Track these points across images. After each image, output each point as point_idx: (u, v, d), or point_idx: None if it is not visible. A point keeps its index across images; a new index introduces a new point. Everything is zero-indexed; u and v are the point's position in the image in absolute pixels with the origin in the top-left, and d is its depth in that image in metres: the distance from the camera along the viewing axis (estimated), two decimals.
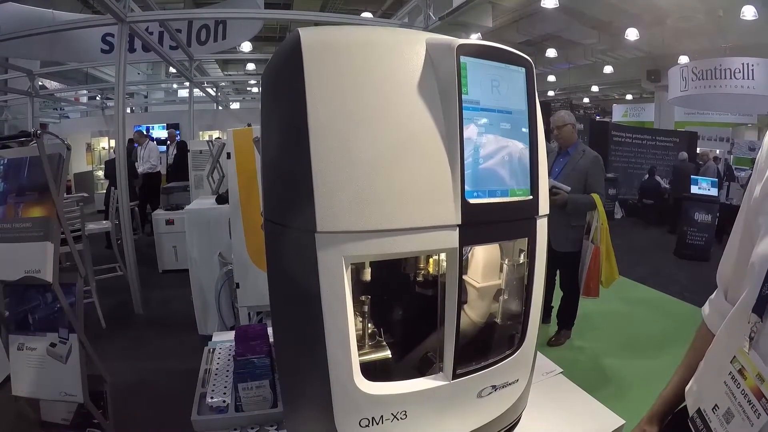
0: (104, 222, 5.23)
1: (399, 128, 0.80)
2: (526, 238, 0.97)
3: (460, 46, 0.83)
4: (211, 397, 1.26)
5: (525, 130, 0.95)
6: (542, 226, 0.99)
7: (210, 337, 1.69)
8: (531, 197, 0.94)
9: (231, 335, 1.60)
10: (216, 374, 1.41)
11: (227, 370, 1.42)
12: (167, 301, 4.75)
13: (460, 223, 0.82)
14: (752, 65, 9.46)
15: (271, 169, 0.86)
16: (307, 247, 0.77)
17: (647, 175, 10.19)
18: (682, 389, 0.98)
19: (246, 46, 9.26)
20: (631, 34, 9.89)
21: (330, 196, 0.76)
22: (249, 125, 2.86)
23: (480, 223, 0.86)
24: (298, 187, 0.78)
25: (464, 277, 1.07)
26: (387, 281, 1.07)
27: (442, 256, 1.05)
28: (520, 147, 0.93)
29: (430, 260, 1.08)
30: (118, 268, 4.80)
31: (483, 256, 1.10)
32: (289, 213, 0.82)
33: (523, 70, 0.94)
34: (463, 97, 0.84)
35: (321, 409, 0.86)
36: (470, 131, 0.85)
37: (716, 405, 0.84)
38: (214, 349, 1.58)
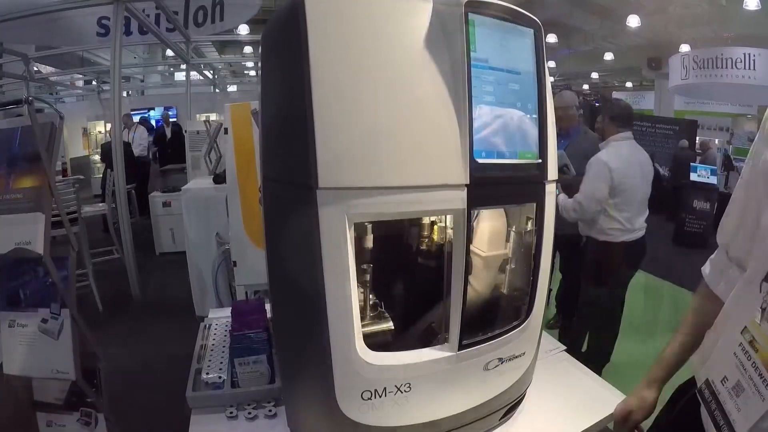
0: (100, 204, 5.17)
1: (405, 83, 0.77)
2: (534, 205, 0.94)
3: (468, 2, 0.80)
4: (207, 373, 1.22)
5: (534, 92, 0.91)
6: (551, 192, 0.95)
7: None
8: (539, 161, 0.91)
9: (227, 312, 1.56)
10: (212, 350, 1.38)
11: (223, 346, 1.38)
12: (164, 283, 4.70)
13: (467, 183, 0.79)
14: (754, 55, 9.39)
15: (271, 127, 0.82)
16: (308, 205, 0.73)
17: None
18: (680, 353, 0.97)
19: (243, 29, 9.14)
20: (633, 20, 9.77)
21: (333, 151, 0.72)
22: None
23: (488, 185, 0.83)
24: (299, 141, 0.74)
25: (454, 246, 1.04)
26: (389, 252, 1.04)
27: (448, 222, 1.03)
28: (529, 108, 0.90)
29: (435, 228, 1.04)
30: (115, 251, 4.75)
31: (489, 224, 1.06)
32: (289, 169, 0.78)
33: (532, 31, 0.91)
34: (471, 54, 0.80)
35: (321, 382, 0.83)
36: (478, 89, 0.81)
37: (725, 377, 0.80)
38: (210, 325, 1.55)
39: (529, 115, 0.90)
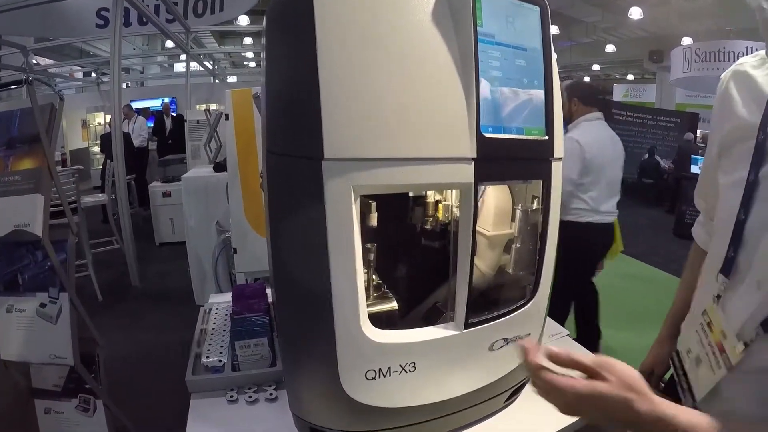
0: (100, 195, 5.15)
1: (411, 56, 0.75)
2: (540, 182, 0.92)
3: None
4: (207, 357, 1.20)
5: (540, 68, 0.89)
6: (557, 170, 0.93)
7: None
8: (546, 137, 0.89)
9: (228, 297, 1.55)
10: (212, 334, 1.36)
11: (224, 330, 1.36)
12: (164, 273, 4.70)
13: (475, 156, 0.77)
14: (756, 49, 9.29)
15: (276, 100, 0.80)
16: (313, 177, 0.72)
17: (647, 155, 10.12)
18: (682, 308, 1.05)
19: (243, 20, 9.09)
20: (635, 12, 9.72)
21: (338, 121, 0.71)
22: None
23: (495, 159, 0.81)
24: (304, 113, 0.72)
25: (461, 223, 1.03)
26: (393, 231, 1.02)
27: (454, 200, 1.01)
28: (536, 85, 0.88)
29: (440, 206, 1.03)
30: (115, 241, 4.74)
31: (494, 203, 1.04)
32: (294, 141, 0.76)
33: (538, 8, 0.90)
34: (478, 29, 0.78)
35: (324, 362, 0.82)
36: (485, 64, 0.80)
37: (689, 349, 0.93)
38: (210, 310, 1.54)
39: (535, 92, 0.88)
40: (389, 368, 0.82)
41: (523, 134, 0.85)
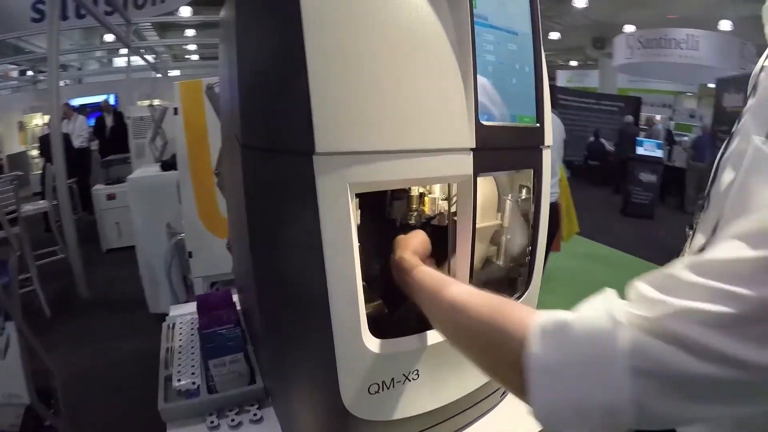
0: (41, 202, 4.80)
1: (406, 38, 0.69)
2: (527, 171, 0.90)
3: None
4: (179, 380, 1.07)
5: (530, 53, 0.86)
6: (547, 158, 0.91)
7: (163, 316, 1.48)
8: (538, 125, 0.86)
9: (190, 308, 1.43)
10: (180, 353, 1.22)
11: (192, 347, 1.23)
12: (114, 281, 4.46)
13: (474, 146, 0.73)
14: (697, 37, 9.92)
15: (252, 87, 0.70)
16: (302, 175, 0.63)
17: (593, 138, 10.48)
18: None
19: (185, 11, 8.72)
20: (579, 1, 10.00)
21: (331, 110, 0.63)
22: None
23: (492, 149, 0.76)
24: (290, 101, 0.64)
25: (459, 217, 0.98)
26: (375, 228, 0.96)
27: (437, 193, 0.97)
28: (527, 71, 0.85)
29: (426, 199, 0.98)
30: (59, 250, 4.44)
31: (480, 194, 1.00)
32: (277, 134, 0.67)
33: None
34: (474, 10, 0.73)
35: (322, 379, 0.75)
36: (480, 48, 0.75)
37: None
38: (173, 324, 1.39)
39: (526, 78, 0.85)
40: (392, 379, 0.77)
41: (516, 122, 0.82)
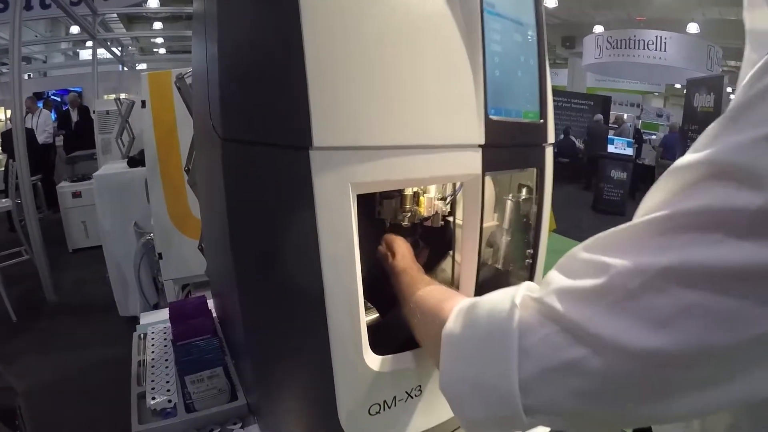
0: (4, 201, 4.56)
1: (413, 22, 0.63)
2: (527, 170, 0.85)
3: None
4: (153, 398, 0.98)
5: (534, 45, 0.82)
6: (549, 156, 0.86)
7: (134, 319, 1.39)
8: (542, 121, 0.81)
9: (161, 315, 1.32)
10: (153, 366, 1.11)
11: (166, 360, 1.13)
12: (81, 283, 4.29)
13: (483, 143, 0.67)
14: (665, 38, 10.22)
15: (234, 74, 0.63)
16: (297, 172, 0.56)
17: (562, 135, 10.65)
18: None
19: (153, 2, 8.46)
20: (550, 1, 10.12)
21: (331, 100, 0.56)
22: None
23: (499, 146, 0.71)
24: (282, 89, 0.56)
25: (455, 219, 0.94)
26: (367, 231, 0.89)
27: (433, 193, 0.91)
28: (531, 64, 0.80)
29: (421, 199, 0.92)
30: (24, 251, 4.22)
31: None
32: (267, 126, 0.59)
33: None
34: None
35: (318, 400, 0.69)
36: (488, 37, 0.70)
37: None
38: (145, 335, 1.27)
39: (530, 71, 0.80)
40: (394, 397, 0.71)
41: (521, 117, 0.77)
